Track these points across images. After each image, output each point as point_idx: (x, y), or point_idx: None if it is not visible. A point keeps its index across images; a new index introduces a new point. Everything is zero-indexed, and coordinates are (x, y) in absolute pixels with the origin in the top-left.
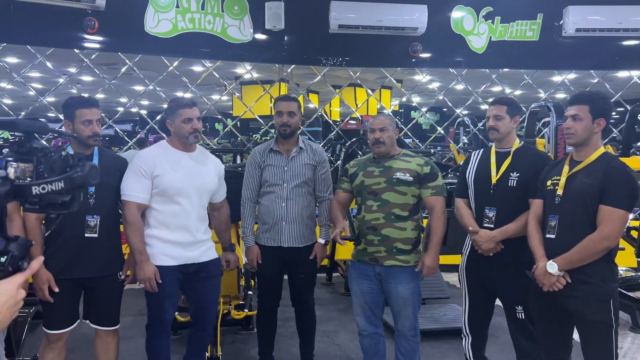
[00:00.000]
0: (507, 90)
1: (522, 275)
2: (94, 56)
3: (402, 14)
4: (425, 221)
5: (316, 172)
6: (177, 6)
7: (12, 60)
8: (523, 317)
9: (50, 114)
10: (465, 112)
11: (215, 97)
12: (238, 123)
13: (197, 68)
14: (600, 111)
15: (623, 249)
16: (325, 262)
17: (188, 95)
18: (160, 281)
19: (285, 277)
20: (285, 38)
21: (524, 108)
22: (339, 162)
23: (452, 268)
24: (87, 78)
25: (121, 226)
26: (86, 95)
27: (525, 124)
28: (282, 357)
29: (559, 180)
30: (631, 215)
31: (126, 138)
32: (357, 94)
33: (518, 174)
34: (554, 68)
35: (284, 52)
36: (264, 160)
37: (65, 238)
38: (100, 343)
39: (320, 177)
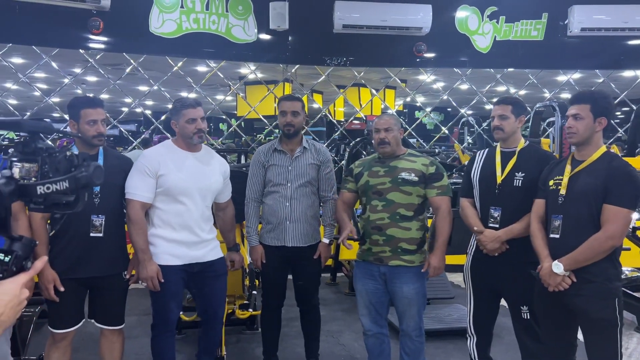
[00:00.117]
0: (512, 90)
1: (527, 275)
2: (98, 56)
3: (406, 13)
4: (429, 221)
5: (320, 171)
6: (182, 6)
7: (17, 60)
8: (528, 317)
9: (55, 114)
10: (470, 112)
11: (220, 97)
12: (242, 123)
13: (202, 68)
14: (602, 110)
15: (628, 249)
16: (330, 262)
17: (192, 95)
18: (162, 280)
19: (290, 276)
20: (290, 38)
21: (528, 108)
22: (343, 162)
23: (457, 268)
24: (92, 78)
25: (125, 225)
26: (91, 95)
27: (530, 124)
28: (287, 356)
29: (561, 180)
30: (636, 215)
31: (131, 138)
32: (361, 94)
33: (523, 174)
34: (559, 68)
35: (288, 52)
36: (268, 160)
37: (70, 237)
38: (105, 342)
39: (324, 176)
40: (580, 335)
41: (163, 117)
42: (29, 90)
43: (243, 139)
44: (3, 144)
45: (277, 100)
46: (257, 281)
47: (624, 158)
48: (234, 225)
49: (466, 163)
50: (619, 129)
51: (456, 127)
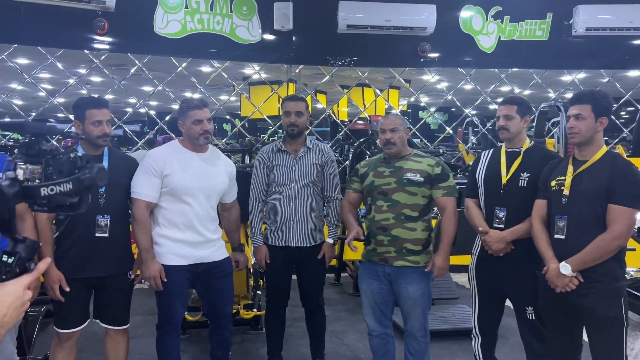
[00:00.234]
0: (517, 90)
1: (533, 276)
2: (103, 57)
3: (410, 13)
4: (434, 221)
5: (324, 171)
6: (186, 7)
7: (22, 61)
8: (533, 317)
9: (60, 115)
10: (474, 112)
11: (224, 97)
12: (246, 123)
13: (206, 69)
14: (603, 110)
15: (634, 249)
16: (334, 262)
17: (197, 95)
18: (165, 280)
19: (294, 277)
20: (294, 38)
21: (533, 108)
22: (347, 162)
23: (461, 268)
24: (96, 79)
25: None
26: (96, 95)
27: (534, 124)
28: (292, 356)
29: (564, 180)
30: None
31: (135, 138)
32: (365, 94)
33: (528, 174)
34: (564, 67)
35: (292, 53)
36: (272, 160)
37: (75, 238)
38: (111, 342)
39: (328, 176)
40: (585, 337)
41: (167, 118)
42: (34, 90)
43: (247, 139)
44: (8, 144)
45: (281, 100)
46: (261, 281)
47: (629, 158)
48: (239, 225)
49: (470, 163)
50: (624, 129)
51: (460, 127)
